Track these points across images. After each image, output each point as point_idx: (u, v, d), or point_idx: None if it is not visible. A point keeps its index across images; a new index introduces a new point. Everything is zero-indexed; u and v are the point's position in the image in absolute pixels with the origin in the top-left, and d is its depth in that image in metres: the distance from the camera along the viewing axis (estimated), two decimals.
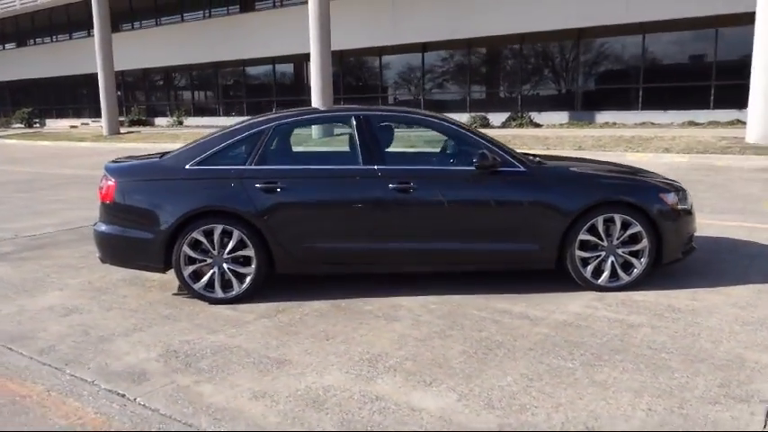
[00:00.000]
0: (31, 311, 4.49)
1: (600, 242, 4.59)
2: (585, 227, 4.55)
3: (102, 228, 4.70)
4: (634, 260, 4.62)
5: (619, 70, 20.92)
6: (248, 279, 4.54)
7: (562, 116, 21.28)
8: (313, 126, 5.10)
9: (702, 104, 18.94)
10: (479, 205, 4.60)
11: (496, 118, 21.77)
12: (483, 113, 22.00)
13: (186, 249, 4.49)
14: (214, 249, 4.51)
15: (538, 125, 20.85)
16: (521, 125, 20.77)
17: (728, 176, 10.42)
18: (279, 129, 4.80)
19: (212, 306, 4.50)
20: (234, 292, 4.54)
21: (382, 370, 3.40)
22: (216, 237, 4.49)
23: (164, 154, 5.04)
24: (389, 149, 4.88)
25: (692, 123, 18.42)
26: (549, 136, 16.79)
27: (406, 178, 4.55)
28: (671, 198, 4.68)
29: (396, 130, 5.05)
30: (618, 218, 4.55)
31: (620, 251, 4.61)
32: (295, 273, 4.74)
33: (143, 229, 4.55)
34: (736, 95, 18.50)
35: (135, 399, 3.13)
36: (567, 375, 3.28)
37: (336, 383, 3.25)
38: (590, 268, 4.62)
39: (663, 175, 5.24)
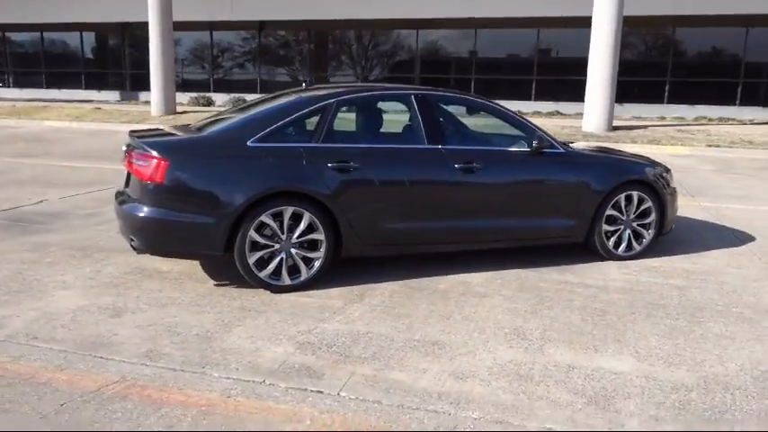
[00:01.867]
0: (62, 314, 3.75)
1: (621, 216, 5.13)
2: (612, 203, 5.06)
3: (145, 211, 4.07)
4: (644, 231, 5.24)
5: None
6: (317, 264, 4.28)
7: None
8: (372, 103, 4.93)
9: (525, 97, 21.16)
10: (534, 184, 4.86)
11: None
12: None
13: (252, 234, 4.10)
14: (282, 233, 4.18)
15: None
16: None
17: None
18: (341, 104, 4.55)
19: (278, 295, 4.17)
20: (301, 279, 4.26)
21: (537, 341, 3.53)
22: (285, 220, 4.16)
23: (200, 127, 4.51)
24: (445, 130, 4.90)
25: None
26: None
27: (469, 158, 4.64)
28: (670, 177, 5.40)
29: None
30: (636, 195, 5.12)
31: (634, 224, 5.20)
32: (359, 255, 4.56)
33: (202, 213, 4.05)
34: (555, 90, 21.09)
35: (338, 393, 2.88)
36: (690, 332, 3.71)
37: (515, 357, 3.30)
38: (612, 240, 5.15)
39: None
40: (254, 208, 4.09)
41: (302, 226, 4.19)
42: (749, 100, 19.98)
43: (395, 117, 5.11)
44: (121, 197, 4.43)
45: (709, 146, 13.38)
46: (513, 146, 4.85)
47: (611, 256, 5.15)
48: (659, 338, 3.60)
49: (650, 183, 5.17)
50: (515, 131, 4.96)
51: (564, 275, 4.75)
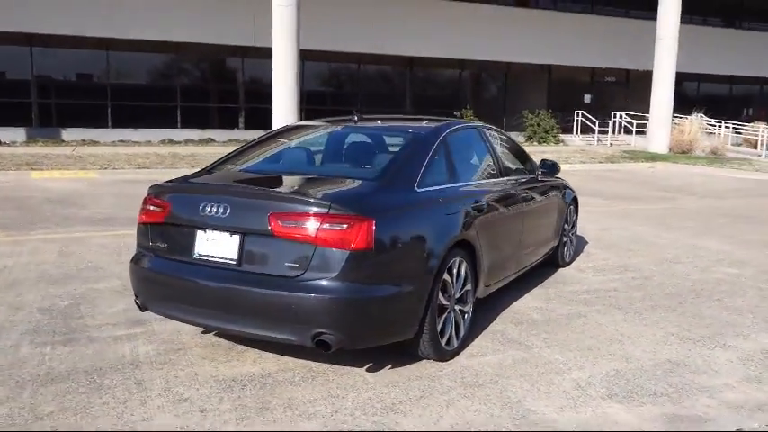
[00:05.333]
0: None
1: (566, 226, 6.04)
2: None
3: (353, 290, 3.08)
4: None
5: (88, 86, 19.83)
6: (467, 318, 3.92)
7: (18, 133, 18.47)
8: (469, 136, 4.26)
9: (172, 124, 20.19)
10: (546, 206, 5.32)
11: None
12: None
13: (440, 295, 3.55)
14: (454, 289, 3.71)
15: None
16: None
17: None
18: (446, 140, 4.13)
19: (449, 364, 3.68)
20: (461, 335, 3.85)
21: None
22: (455, 273, 3.71)
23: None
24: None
25: (171, 141, 19.42)
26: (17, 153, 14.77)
27: (525, 188, 4.86)
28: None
29: None
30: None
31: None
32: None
33: (399, 282, 3.29)
34: (203, 117, 20.80)
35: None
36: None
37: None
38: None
39: None
40: (443, 264, 3.54)
41: (462, 276, 3.80)
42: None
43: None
44: (239, 275, 3.19)
45: None
46: (529, 173, 5.22)
47: (566, 264, 6.03)
48: None
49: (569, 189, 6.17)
50: (525, 158, 5.35)
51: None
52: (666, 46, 20.01)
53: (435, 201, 3.67)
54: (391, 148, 4.08)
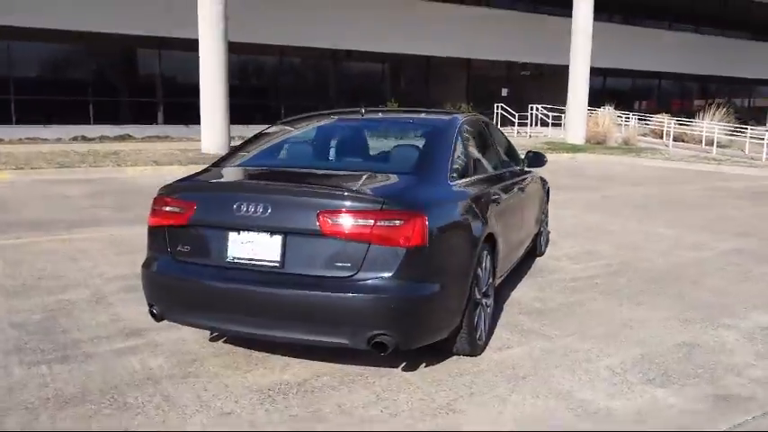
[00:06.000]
0: None
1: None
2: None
3: (412, 289, 2.98)
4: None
5: None
6: (489, 311, 3.89)
7: None
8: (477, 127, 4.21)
9: (84, 120, 18.95)
10: (532, 196, 5.36)
11: None
12: None
13: (475, 291, 3.49)
14: (483, 282, 3.66)
15: None
16: None
17: None
18: (461, 131, 4.04)
19: (482, 359, 3.64)
20: (486, 331, 3.80)
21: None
22: (483, 266, 3.66)
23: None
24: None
25: (84, 138, 18.22)
26: None
27: (521, 179, 4.90)
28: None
29: None
30: None
31: None
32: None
33: (446, 278, 3.20)
34: (117, 112, 19.70)
35: None
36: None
37: None
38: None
39: None
40: (478, 259, 3.48)
41: (488, 270, 3.76)
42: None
43: None
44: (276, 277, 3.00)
45: None
46: (516, 163, 5.24)
47: (542, 253, 6.14)
48: None
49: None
50: (508, 150, 5.38)
51: None
52: (582, 41, 20.92)
53: (466, 194, 3.61)
54: (413, 142, 3.97)
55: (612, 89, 30.04)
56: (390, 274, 2.93)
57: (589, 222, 8.13)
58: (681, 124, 22.25)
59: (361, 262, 2.91)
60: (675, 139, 21.24)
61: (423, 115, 4.68)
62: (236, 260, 3.07)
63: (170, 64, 20.50)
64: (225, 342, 3.79)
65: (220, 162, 3.87)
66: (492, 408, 3.00)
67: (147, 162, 13.42)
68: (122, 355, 3.59)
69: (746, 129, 20.26)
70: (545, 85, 27.83)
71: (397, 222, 2.94)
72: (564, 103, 22.32)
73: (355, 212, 2.93)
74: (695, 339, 3.97)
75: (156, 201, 3.35)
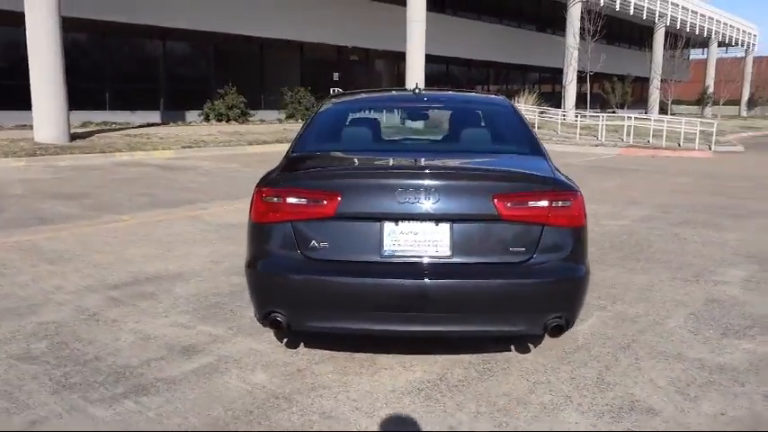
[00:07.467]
0: None
1: None
2: None
3: (583, 271, 2.97)
4: None
5: None
6: None
7: None
8: None
9: None
10: None
11: None
12: None
13: None
14: None
15: None
16: None
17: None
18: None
19: None
20: None
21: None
22: None
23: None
24: None
25: None
26: None
27: None
28: None
29: None
30: None
31: None
32: None
33: (587, 257, 3.20)
34: None
35: None
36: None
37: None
38: None
39: None
40: None
41: None
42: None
43: None
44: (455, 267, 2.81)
45: (184, 147, 14.16)
46: None
47: None
48: None
49: None
50: None
51: None
52: (418, 28, 21.70)
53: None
54: (495, 120, 3.88)
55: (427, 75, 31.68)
56: (566, 256, 2.88)
57: None
58: None
59: (536, 245, 2.82)
60: None
61: (473, 95, 4.59)
62: (394, 253, 2.78)
63: None
64: (307, 347, 3.41)
65: (300, 147, 3.44)
66: (639, 377, 3.11)
67: None
68: (208, 377, 3.07)
69: (550, 111, 22.85)
70: (371, 69, 28.51)
71: (568, 203, 2.90)
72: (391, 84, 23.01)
73: (532, 194, 2.84)
74: (717, 296, 4.44)
75: (267, 193, 2.89)
